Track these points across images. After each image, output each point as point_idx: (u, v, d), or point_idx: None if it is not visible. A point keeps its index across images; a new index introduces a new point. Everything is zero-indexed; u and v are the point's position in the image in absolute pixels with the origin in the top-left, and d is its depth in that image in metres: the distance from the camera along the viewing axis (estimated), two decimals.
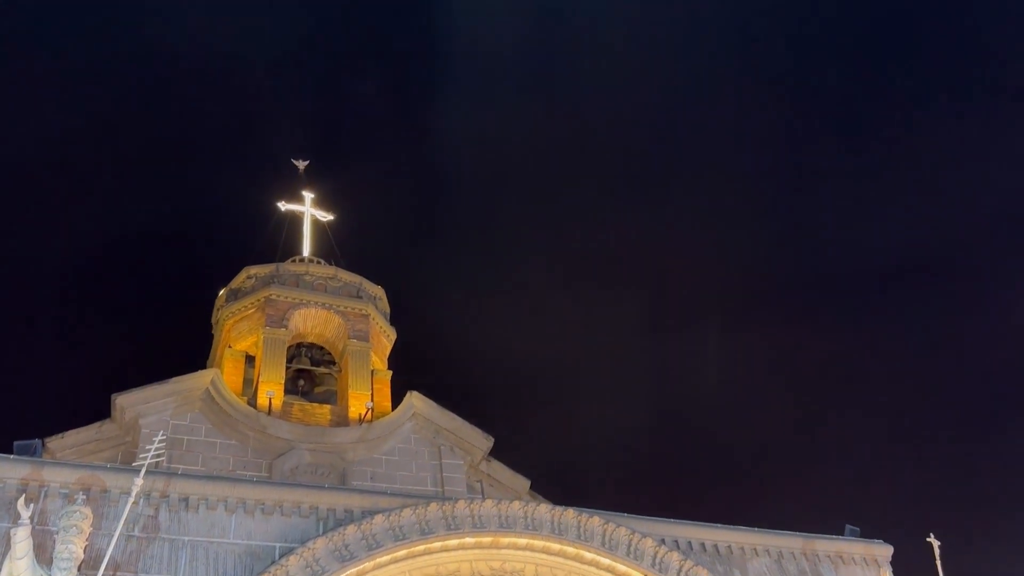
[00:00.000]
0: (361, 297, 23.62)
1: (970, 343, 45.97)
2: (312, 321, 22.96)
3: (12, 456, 13.63)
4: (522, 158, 52.73)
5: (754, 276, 49.13)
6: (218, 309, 23.92)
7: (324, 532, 14.17)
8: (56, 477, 13.57)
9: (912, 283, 48.42)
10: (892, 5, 50.12)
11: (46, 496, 13.32)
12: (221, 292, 24.13)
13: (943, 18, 49.17)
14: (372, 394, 21.50)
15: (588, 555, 15.46)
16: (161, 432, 14.82)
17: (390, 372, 22.82)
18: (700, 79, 51.52)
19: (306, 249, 25.72)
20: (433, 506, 14.84)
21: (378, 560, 14.16)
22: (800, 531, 17.60)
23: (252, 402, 20.34)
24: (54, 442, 18.82)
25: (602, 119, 52.45)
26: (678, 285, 50.27)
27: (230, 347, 22.39)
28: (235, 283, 23.73)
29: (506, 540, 15.08)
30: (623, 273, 51.55)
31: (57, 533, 12.29)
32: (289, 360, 22.13)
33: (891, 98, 50.43)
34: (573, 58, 52.64)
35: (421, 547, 14.54)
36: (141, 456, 13.73)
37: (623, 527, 15.76)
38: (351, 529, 14.16)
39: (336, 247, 26.20)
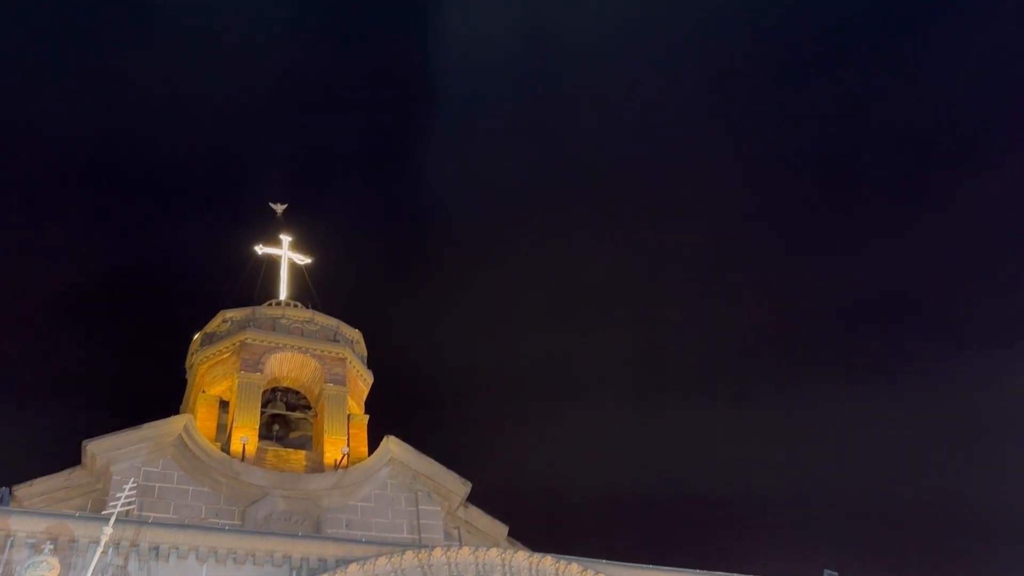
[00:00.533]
0: (338, 341, 23.48)
1: (949, 383, 46.17)
2: (288, 365, 22.77)
3: None
4: (500, 199, 53.05)
5: (740, 315, 49.35)
6: (192, 353, 23.69)
7: None
8: (23, 526, 13.30)
9: (899, 323, 48.67)
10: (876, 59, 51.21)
11: (12, 546, 13.04)
12: (196, 336, 23.91)
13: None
14: (348, 439, 21.29)
15: None
16: (132, 479, 14.64)
17: (367, 416, 22.61)
18: (688, 123, 52.22)
19: (283, 293, 25.59)
20: (409, 554, 14.65)
21: None
22: None
23: (226, 448, 20.06)
24: (22, 490, 18.43)
25: (583, 161, 52.97)
26: (663, 324, 50.44)
27: (204, 392, 22.14)
28: (210, 327, 23.53)
29: None
30: (606, 312, 51.69)
31: None
32: (264, 405, 21.89)
33: (876, 156, 51.30)
34: (554, 101, 53.30)
35: None
36: (111, 504, 13.54)
37: (602, 574, 15.61)
38: None
39: (314, 290, 26.11)
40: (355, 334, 24.42)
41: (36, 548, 12.81)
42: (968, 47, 47.93)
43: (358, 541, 15.45)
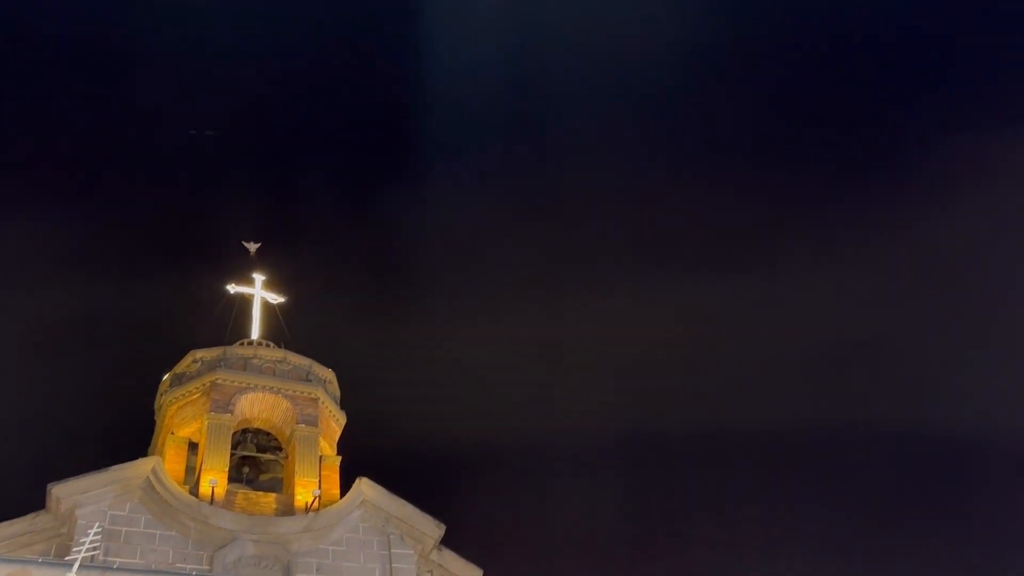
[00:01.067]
0: (311, 380, 23.23)
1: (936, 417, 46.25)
2: (259, 406, 22.48)
3: None
4: (474, 240, 53.15)
5: (728, 361, 49.33)
6: (161, 394, 23.35)
7: None
8: None
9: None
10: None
11: None
12: (165, 377, 23.60)
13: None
14: (320, 481, 20.97)
15: None
16: (97, 524, 14.30)
17: (339, 457, 22.31)
18: (672, 165, 52.59)
19: (255, 332, 25.35)
20: None
21: None
22: None
23: (194, 491, 19.70)
24: None
25: (560, 203, 53.24)
26: (642, 366, 50.32)
27: (173, 433, 21.77)
28: (180, 367, 23.23)
29: None
30: (583, 352, 51.52)
31: None
32: (234, 446, 21.53)
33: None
34: (533, 143, 53.69)
35: None
36: (75, 549, 13.21)
37: None
38: None
39: (287, 329, 25.89)
40: (328, 374, 24.19)
41: None
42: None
43: None
